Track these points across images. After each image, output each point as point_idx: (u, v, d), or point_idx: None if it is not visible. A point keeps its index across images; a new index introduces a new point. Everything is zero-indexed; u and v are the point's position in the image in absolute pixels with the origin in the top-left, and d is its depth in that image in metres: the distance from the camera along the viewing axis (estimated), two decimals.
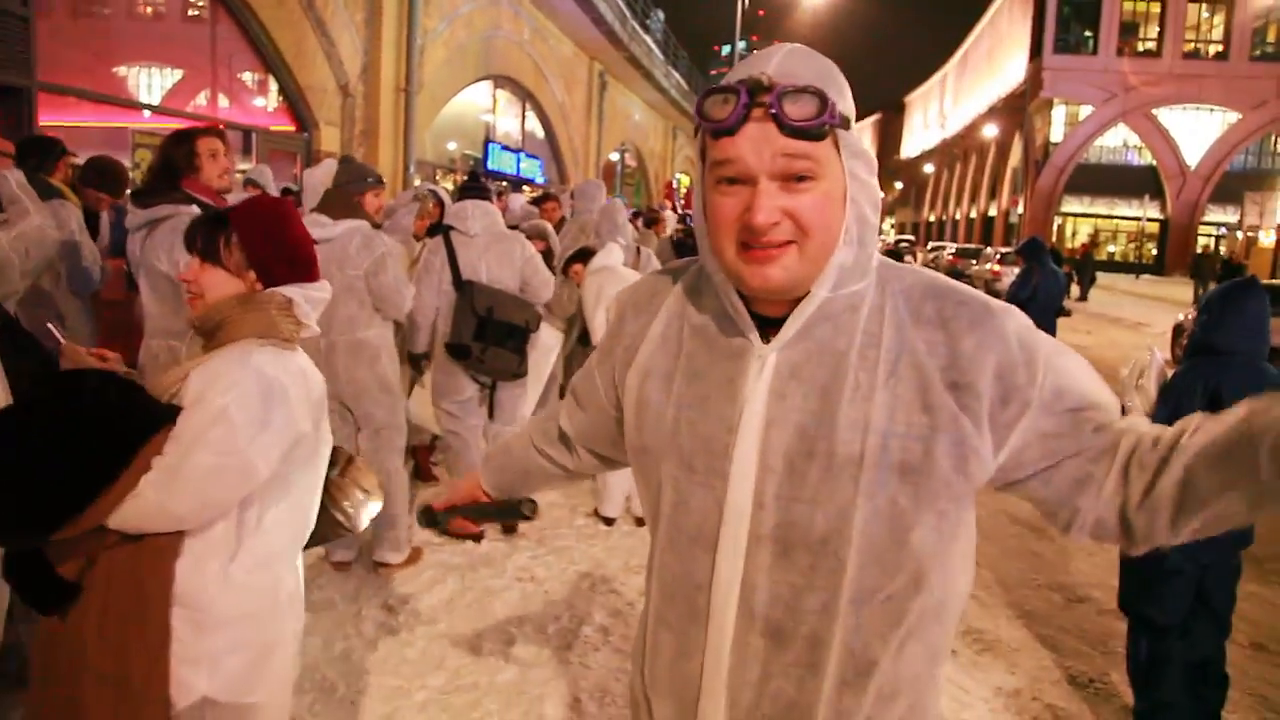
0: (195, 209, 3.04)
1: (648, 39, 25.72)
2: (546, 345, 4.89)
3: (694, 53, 41.06)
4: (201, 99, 10.22)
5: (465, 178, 5.77)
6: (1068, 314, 9.46)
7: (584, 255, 4.85)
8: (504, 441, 1.62)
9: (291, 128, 11.10)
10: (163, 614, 1.64)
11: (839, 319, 1.11)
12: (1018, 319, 1.10)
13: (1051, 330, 8.21)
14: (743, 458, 1.10)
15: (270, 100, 11.13)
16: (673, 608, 1.19)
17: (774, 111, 1.01)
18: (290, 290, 1.82)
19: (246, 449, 1.64)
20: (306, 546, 1.92)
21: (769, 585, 1.10)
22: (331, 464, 1.97)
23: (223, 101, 10.38)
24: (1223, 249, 35.94)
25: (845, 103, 1.07)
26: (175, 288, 3.06)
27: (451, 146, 17.40)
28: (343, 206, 3.77)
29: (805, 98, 1.02)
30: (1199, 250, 29.18)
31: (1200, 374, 3.00)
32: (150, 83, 9.94)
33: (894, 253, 8.44)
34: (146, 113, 9.21)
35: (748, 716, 1.13)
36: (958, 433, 1.05)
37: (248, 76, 10.87)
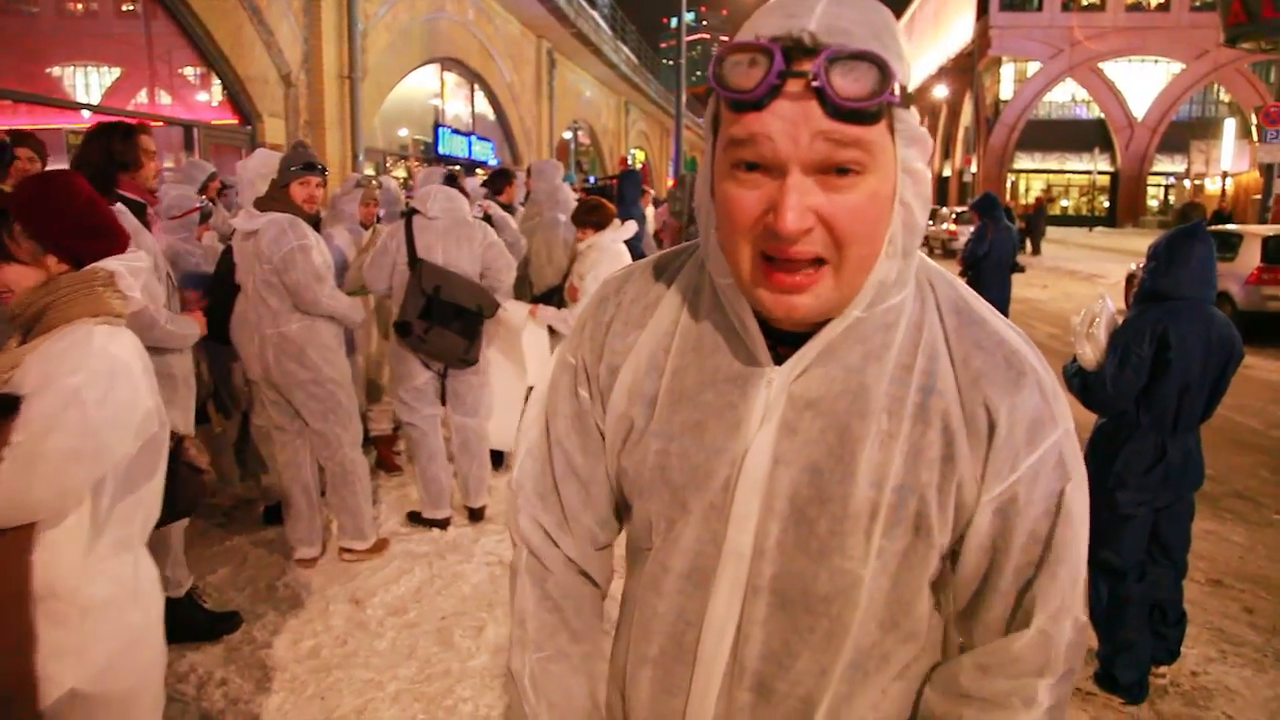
0: (120, 206, 2.96)
1: (595, 14, 25.45)
2: (537, 358, 4.77)
3: (641, 26, 40.75)
4: (142, 96, 9.96)
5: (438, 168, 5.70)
6: (1021, 270, 9.57)
7: (597, 213, 4.73)
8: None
9: (234, 121, 10.86)
10: (23, 610, 1.61)
11: (870, 340, 0.92)
12: (1044, 395, 0.93)
13: (1007, 286, 8.32)
14: (745, 498, 0.94)
15: (213, 94, 10.88)
16: (654, 644, 1.04)
17: (818, 84, 0.77)
18: (111, 263, 1.77)
19: (101, 429, 1.61)
20: (162, 522, 1.91)
21: (763, 639, 0.97)
22: None
23: (163, 98, 10.13)
24: (1172, 198, 36.56)
25: (904, 70, 0.83)
26: None
27: (402, 133, 17.15)
28: (270, 198, 3.70)
29: (861, 67, 0.78)
30: (1188, 200, 29.52)
31: (1148, 320, 3.05)
32: (87, 82, 9.68)
33: None
34: (86, 113, 8.96)
35: None
36: (965, 490, 0.92)
37: (187, 71, 10.62)
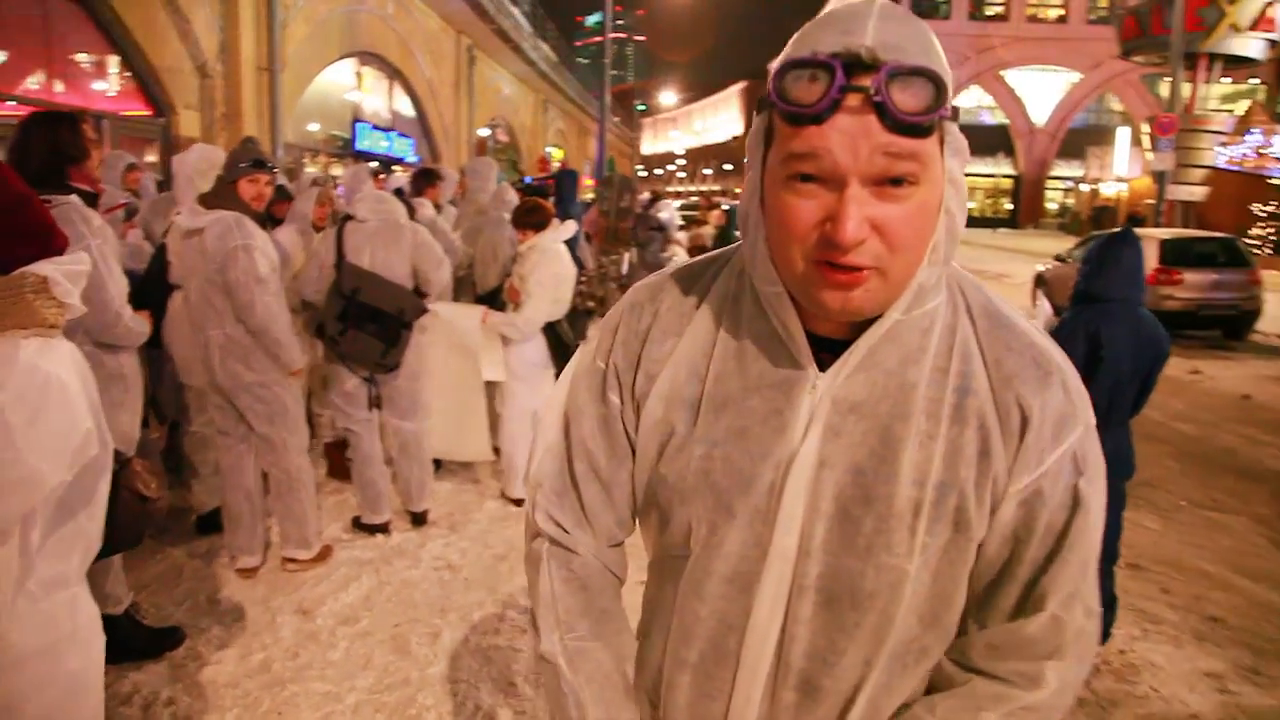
0: (75, 198, 2.84)
1: (515, 11, 25.22)
2: (491, 355, 4.70)
3: (559, 24, 40.58)
4: (33, 82, 9.38)
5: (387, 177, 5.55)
6: None
7: (537, 214, 4.67)
8: (602, 679, 1.11)
9: (147, 112, 10.41)
10: None
11: (907, 344, 0.96)
12: (1069, 393, 0.97)
13: None
14: (790, 500, 0.97)
15: (114, 83, 10.37)
16: (694, 649, 1.05)
17: (879, 99, 0.80)
18: (43, 268, 1.57)
19: (28, 454, 1.44)
20: (102, 555, 1.77)
21: (808, 638, 0.99)
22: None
23: (58, 85, 9.59)
24: (1070, 201, 38.25)
25: (950, 84, 0.86)
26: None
27: (313, 128, 16.69)
28: (216, 195, 3.58)
29: (918, 82, 0.81)
30: (1100, 204, 30.71)
31: (1081, 321, 3.22)
32: None
33: None
34: None
35: None
36: (1000, 485, 0.95)
37: (89, 57, 10.10)
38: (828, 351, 0.97)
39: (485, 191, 6.01)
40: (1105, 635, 3.46)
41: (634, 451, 1.09)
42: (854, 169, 0.83)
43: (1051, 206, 42.16)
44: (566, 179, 7.18)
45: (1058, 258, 13.48)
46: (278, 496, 3.89)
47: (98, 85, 10.36)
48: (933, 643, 1.01)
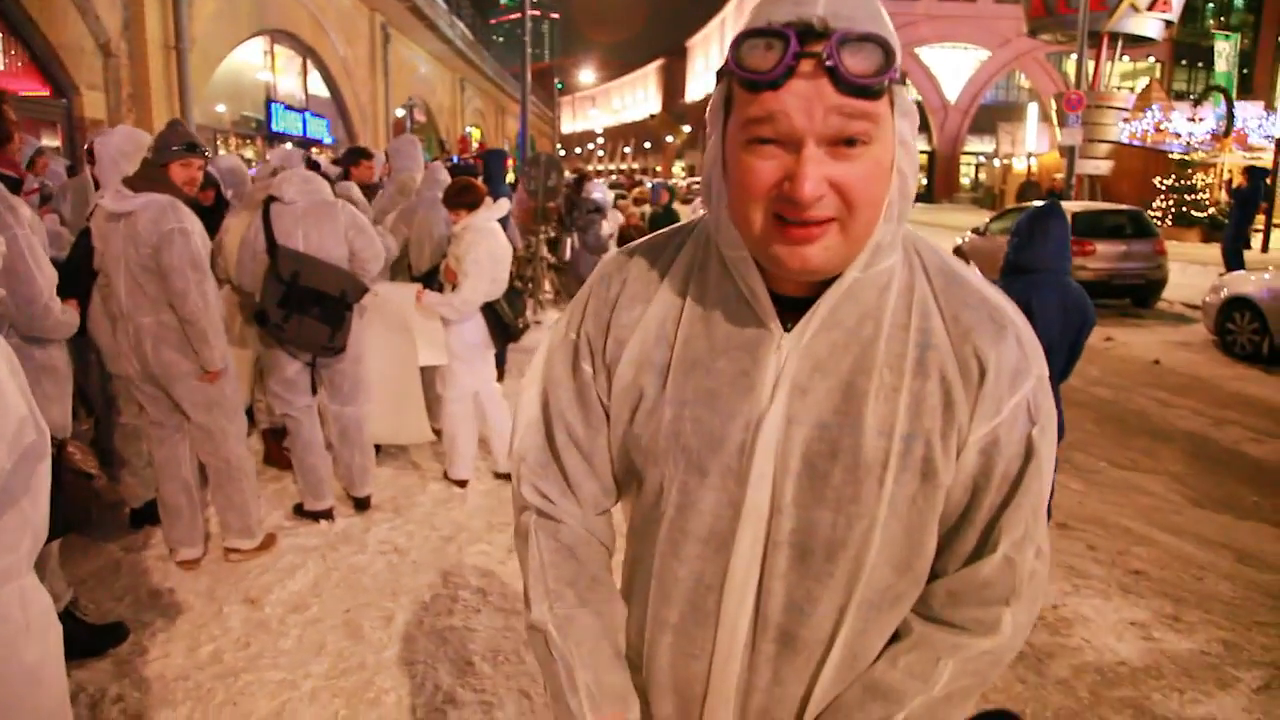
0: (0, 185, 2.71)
1: None
2: (429, 337, 4.62)
3: (473, 1, 39.88)
4: None
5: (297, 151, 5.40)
6: None
7: (469, 194, 4.60)
8: (591, 640, 1.11)
9: (45, 92, 9.90)
10: None
11: (866, 302, 1.00)
12: (1023, 345, 1.01)
13: None
14: (761, 459, 1.00)
15: (6, 60, 9.83)
16: (674, 609, 1.09)
17: (831, 64, 0.85)
18: None
19: None
20: (54, 535, 1.74)
21: (784, 592, 1.03)
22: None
23: None
24: (983, 176, 39.37)
25: (899, 50, 0.91)
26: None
27: (222, 109, 16.12)
28: (146, 178, 3.44)
29: (868, 47, 0.86)
30: (1026, 180, 31.50)
31: (1013, 292, 3.32)
32: None
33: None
34: None
35: (758, 718, 1.09)
36: (964, 433, 0.99)
37: None
38: (792, 311, 1.01)
39: (411, 171, 5.90)
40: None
41: (609, 418, 1.12)
42: (810, 130, 0.87)
43: (965, 181, 43.34)
44: (494, 159, 7.11)
45: (975, 230, 13.88)
46: (217, 487, 3.79)
47: None
48: (907, 589, 1.05)
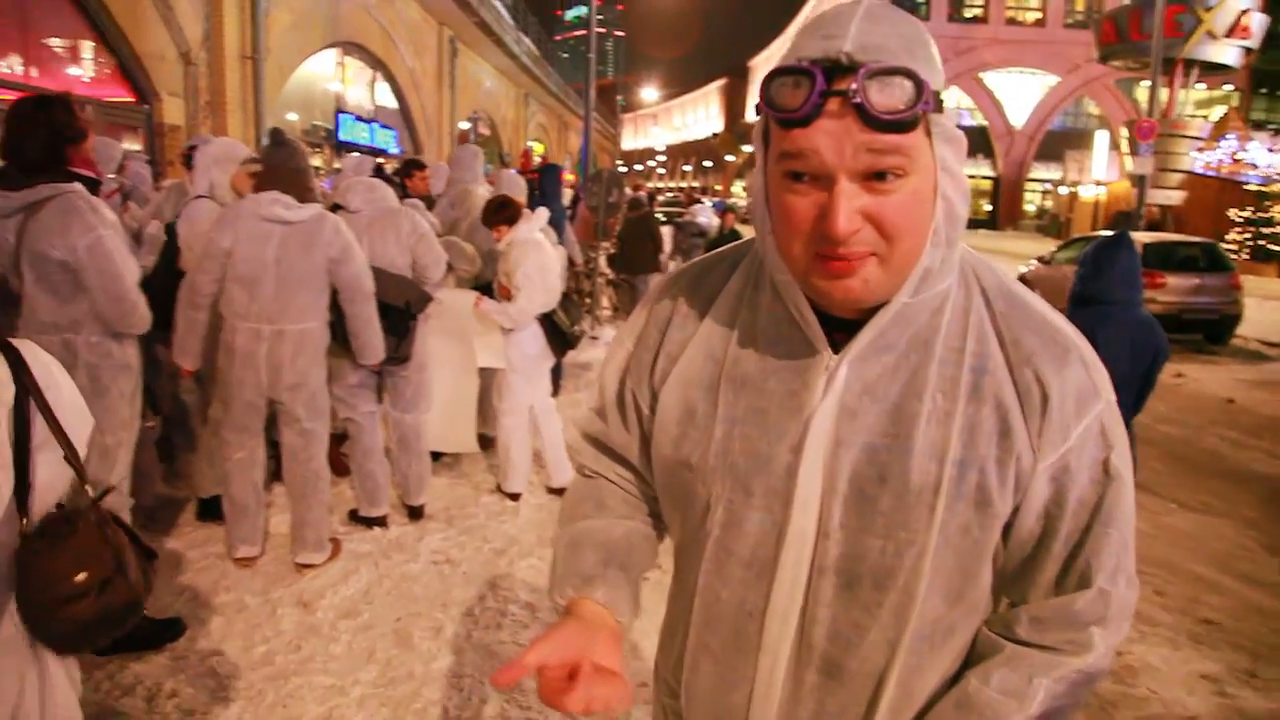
0: (79, 185, 2.79)
1: (497, 4, 25.10)
2: (488, 340, 4.67)
3: (539, 17, 40.45)
4: (8, 66, 9.17)
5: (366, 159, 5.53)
6: None
7: (507, 210, 4.64)
8: (579, 539, 1.16)
9: (130, 99, 10.25)
10: None
11: (919, 325, 0.98)
12: (1088, 370, 0.99)
13: None
14: (807, 481, 0.98)
15: (96, 68, 10.19)
16: (716, 634, 1.07)
17: (858, 101, 0.84)
18: None
19: None
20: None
21: (829, 620, 1.00)
22: None
23: (34, 70, 9.39)
24: (1049, 204, 38.67)
25: (936, 76, 0.89)
26: (69, 275, 2.80)
27: (294, 118, 16.52)
28: (304, 189, 3.59)
29: (895, 81, 0.84)
30: (1120, 210, 30.86)
31: (1077, 323, 3.22)
32: None
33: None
34: None
35: None
36: (1024, 461, 0.96)
37: (68, 42, 9.91)
38: (843, 332, 0.99)
39: (468, 183, 5.93)
40: None
41: (643, 431, 1.16)
42: (840, 166, 0.87)
43: (1030, 208, 42.57)
44: (549, 174, 7.15)
45: (1040, 259, 13.60)
46: (300, 498, 3.81)
47: (75, 70, 10.16)
48: (959, 620, 1.02)
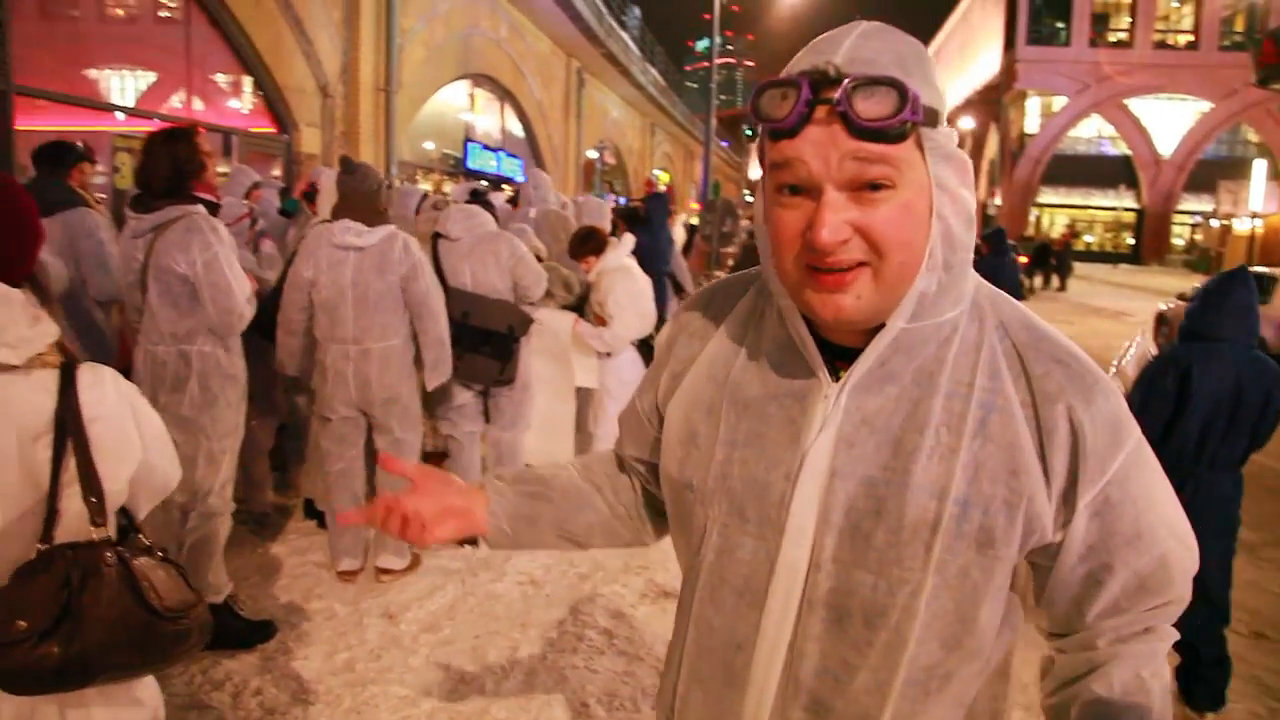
0: (201, 208, 3.07)
1: (624, 35, 25.63)
2: (584, 362, 4.77)
3: (668, 49, 41.04)
4: (176, 100, 10.04)
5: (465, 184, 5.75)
6: (1023, 299, 10.20)
7: (592, 241, 4.73)
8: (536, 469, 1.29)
9: (271, 129, 10.96)
10: None
11: (925, 357, 0.96)
12: (1116, 400, 0.97)
13: None
14: (801, 511, 0.96)
15: (244, 101, 10.97)
16: (708, 664, 1.05)
17: (842, 109, 0.85)
18: None
19: None
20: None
21: (818, 655, 0.97)
22: None
23: (198, 103, 10.22)
24: (1199, 236, 36.40)
25: (931, 93, 0.90)
26: (188, 288, 3.05)
27: (429, 146, 17.27)
28: (378, 213, 3.77)
29: (880, 91, 0.85)
30: None
31: (1174, 357, 3.16)
32: (124, 85, 9.76)
33: None
34: (121, 115, 9.06)
35: None
36: (1036, 503, 0.93)
37: (224, 77, 10.71)
38: (845, 360, 0.98)
39: (547, 202, 6.11)
40: (1219, 698, 3.23)
41: (652, 448, 1.19)
42: (827, 176, 0.87)
43: (1178, 242, 40.11)
44: (655, 203, 7.21)
45: (1181, 296, 12.77)
46: None
47: (233, 104, 10.96)
48: (957, 667, 0.98)
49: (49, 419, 1.40)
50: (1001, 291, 1.03)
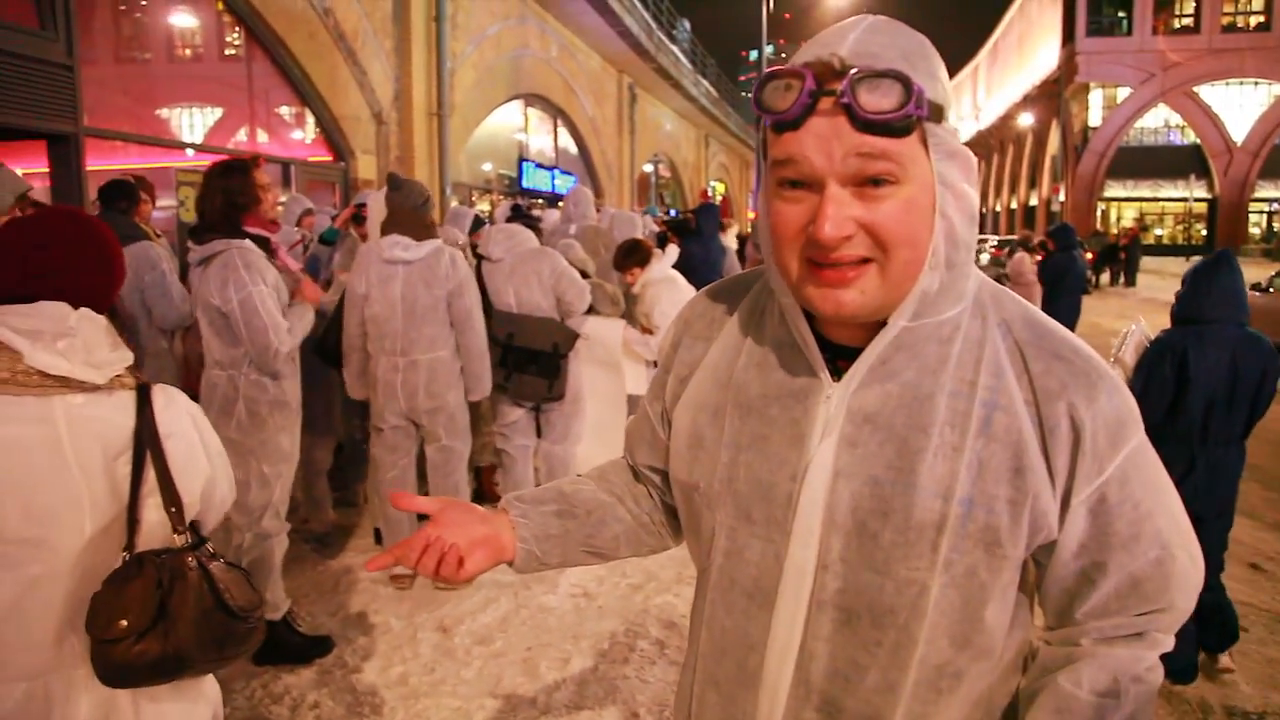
0: (248, 242, 3.12)
1: (675, 49, 25.77)
2: (635, 369, 4.80)
3: (722, 60, 41.08)
4: (241, 135, 10.44)
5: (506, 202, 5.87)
6: (1088, 292, 10.06)
7: (637, 253, 4.78)
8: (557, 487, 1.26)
9: (329, 158, 11.29)
10: None
11: (925, 354, 0.95)
12: (1121, 398, 0.96)
13: (1077, 311, 8.87)
14: (807, 512, 0.96)
15: (308, 132, 11.33)
16: (722, 667, 1.06)
17: (845, 101, 0.84)
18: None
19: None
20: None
21: (828, 656, 0.97)
22: None
23: (261, 136, 10.59)
24: (1276, 225, 35.00)
25: (937, 88, 0.89)
26: (227, 320, 3.12)
27: (486, 167, 17.57)
28: (421, 227, 3.88)
29: (885, 84, 0.84)
30: None
31: (1169, 343, 3.28)
32: (191, 122, 10.18)
33: None
34: (190, 151, 9.43)
35: None
36: (1042, 501, 0.93)
37: (285, 110, 11.08)
38: (845, 358, 0.98)
39: (588, 219, 6.17)
40: (1233, 635, 3.35)
41: (664, 458, 1.17)
42: (830, 170, 0.86)
43: (1255, 232, 38.60)
44: (706, 214, 7.22)
45: (1255, 286, 12.30)
46: None
47: (295, 135, 11.33)
48: (966, 665, 0.98)
49: (129, 436, 1.52)
50: (1003, 288, 1.02)
